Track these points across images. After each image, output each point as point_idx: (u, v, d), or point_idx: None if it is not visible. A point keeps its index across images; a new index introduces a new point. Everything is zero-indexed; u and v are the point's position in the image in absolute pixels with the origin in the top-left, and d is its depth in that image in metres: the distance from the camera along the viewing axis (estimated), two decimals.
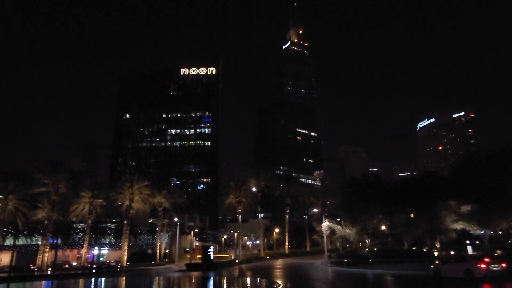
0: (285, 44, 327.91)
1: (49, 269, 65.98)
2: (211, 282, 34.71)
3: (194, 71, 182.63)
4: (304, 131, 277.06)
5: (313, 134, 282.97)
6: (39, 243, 73.43)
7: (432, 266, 33.86)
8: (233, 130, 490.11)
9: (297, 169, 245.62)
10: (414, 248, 60.72)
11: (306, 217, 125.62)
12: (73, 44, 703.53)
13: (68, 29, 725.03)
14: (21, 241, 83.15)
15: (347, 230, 72.45)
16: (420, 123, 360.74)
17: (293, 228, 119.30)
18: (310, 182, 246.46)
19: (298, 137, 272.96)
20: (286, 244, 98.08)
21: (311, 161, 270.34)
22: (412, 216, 63.29)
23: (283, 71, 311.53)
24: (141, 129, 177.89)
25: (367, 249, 71.06)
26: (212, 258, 61.50)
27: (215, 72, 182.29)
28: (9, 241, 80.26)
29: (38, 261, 65.76)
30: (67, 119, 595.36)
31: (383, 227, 78.39)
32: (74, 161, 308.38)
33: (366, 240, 76.58)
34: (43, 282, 45.75)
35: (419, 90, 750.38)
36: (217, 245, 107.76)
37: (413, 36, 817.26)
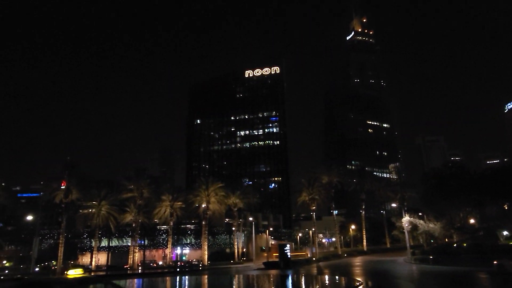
0: (348, 35, 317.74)
1: (140, 268, 71.46)
2: (290, 280, 34.73)
3: (258, 72, 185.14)
4: (375, 123, 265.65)
5: (385, 125, 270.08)
6: (129, 244, 79.95)
7: (495, 262, 31.67)
8: (301, 127, 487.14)
9: (370, 163, 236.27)
10: None
11: (384, 212, 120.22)
12: (143, 53, 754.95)
13: (141, 38, 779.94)
14: (114, 243, 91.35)
15: (431, 225, 67.85)
16: (509, 104, 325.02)
17: (370, 224, 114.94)
18: (385, 175, 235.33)
19: (369, 130, 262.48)
20: (364, 241, 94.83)
21: (385, 153, 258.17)
22: (506, 208, 57.20)
23: (348, 62, 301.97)
24: (212, 133, 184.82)
25: (455, 245, 65.81)
26: (289, 256, 61.57)
27: (278, 71, 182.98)
28: (104, 243, 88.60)
29: (130, 261, 71.51)
30: (144, 126, 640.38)
31: (472, 221, 71.99)
32: (153, 167, 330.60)
33: (453, 235, 70.97)
34: (136, 280, 49.57)
35: (503, 68, 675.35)
36: (293, 243, 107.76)
37: (483, 11, 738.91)
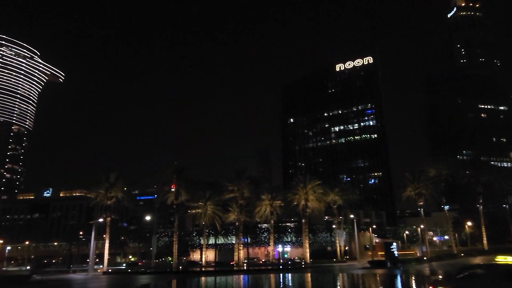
0: (450, 12, 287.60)
1: (245, 264, 74.61)
2: (400, 280, 32.64)
3: (349, 64, 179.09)
4: (489, 106, 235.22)
5: (501, 108, 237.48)
6: (234, 242, 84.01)
7: None
8: (401, 118, 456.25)
9: (485, 151, 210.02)
10: None
11: (507, 206, 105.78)
12: (237, 57, 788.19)
13: (234, 42, 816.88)
14: (220, 240, 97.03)
15: None
16: None
17: (490, 220, 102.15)
18: (505, 165, 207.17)
19: (482, 114, 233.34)
20: (484, 239, 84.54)
21: (504, 140, 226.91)
22: None
23: (452, 42, 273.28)
24: (306, 131, 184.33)
25: None
26: (396, 255, 58.18)
27: (372, 61, 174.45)
28: (211, 241, 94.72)
29: (235, 258, 75.06)
30: (241, 128, 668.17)
31: None
32: (251, 168, 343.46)
33: None
34: (242, 276, 51.78)
35: None
36: (399, 242, 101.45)
37: None
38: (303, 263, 72.29)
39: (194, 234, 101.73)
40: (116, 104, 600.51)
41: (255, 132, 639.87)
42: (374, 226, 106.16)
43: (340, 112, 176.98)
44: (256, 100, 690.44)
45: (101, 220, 70.10)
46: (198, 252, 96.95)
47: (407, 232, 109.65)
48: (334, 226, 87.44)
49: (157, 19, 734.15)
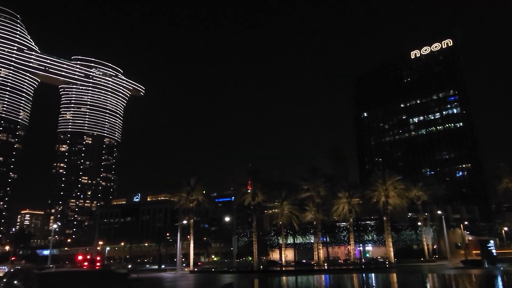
0: None
1: (325, 264, 73.40)
2: (501, 281, 29.43)
3: (426, 50, 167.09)
4: None
5: None
6: (312, 241, 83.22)
7: None
8: (490, 103, 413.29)
9: None
10: None
11: None
12: (305, 54, 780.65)
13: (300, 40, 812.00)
14: (298, 240, 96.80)
15: None
16: None
17: None
18: None
19: None
20: None
21: None
22: None
23: None
24: (381, 124, 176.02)
25: None
26: (494, 253, 52.70)
27: (451, 44, 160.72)
28: (289, 240, 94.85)
29: (315, 257, 74.27)
30: (311, 126, 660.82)
31: None
32: (325, 165, 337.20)
33: None
34: (323, 276, 50.95)
35: None
36: (497, 239, 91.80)
37: None
38: (387, 262, 68.97)
39: (272, 234, 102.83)
40: (190, 110, 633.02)
41: (326, 129, 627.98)
42: (466, 223, 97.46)
43: (418, 101, 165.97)
44: (325, 96, 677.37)
45: (185, 222, 74.22)
46: (277, 251, 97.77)
47: (505, 229, 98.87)
48: (419, 224, 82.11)
49: (225, 20, 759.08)
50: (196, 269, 71.85)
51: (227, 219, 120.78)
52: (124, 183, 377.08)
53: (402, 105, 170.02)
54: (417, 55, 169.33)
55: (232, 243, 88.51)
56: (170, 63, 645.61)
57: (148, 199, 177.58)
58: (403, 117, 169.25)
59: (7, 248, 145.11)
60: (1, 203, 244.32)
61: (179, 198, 71.63)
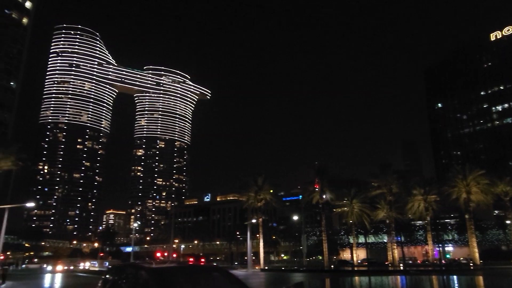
0: None
1: (401, 264, 69.70)
2: None
3: (508, 30, 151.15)
4: None
5: None
6: (385, 240, 79.52)
7: None
8: None
9: None
10: None
11: None
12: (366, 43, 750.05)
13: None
14: (370, 239, 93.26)
15: None
16: None
17: None
18: None
19: None
20: None
21: None
22: None
23: None
24: (458, 115, 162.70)
25: None
26: None
27: None
28: (361, 239, 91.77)
29: (389, 257, 70.82)
30: (380, 121, 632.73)
31: None
32: (396, 161, 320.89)
33: None
34: (400, 277, 48.37)
35: None
36: None
37: None
38: (471, 264, 63.48)
39: (342, 233, 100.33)
40: (255, 109, 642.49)
41: (397, 123, 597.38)
42: None
43: (501, 88, 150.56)
44: (393, 89, 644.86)
45: (254, 221, 75.26)
46: (348, 251, 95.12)
47: None
48: (507, 222, 74.38)
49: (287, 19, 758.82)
50: (266, 267, 72.57)
51: (295, 218, 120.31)
52: (195, 184, 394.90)
53: (482, 93, 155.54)
54: (498, 37, 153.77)
55: (301, 242, 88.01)
56: (234, 65, 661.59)
57: (218, 199, 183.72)
58: (484, 106, 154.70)
59: (96, 245, 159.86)
60: (90, 204, 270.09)
61: (247, 197, 72.80)
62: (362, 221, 72.47)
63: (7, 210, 46.41)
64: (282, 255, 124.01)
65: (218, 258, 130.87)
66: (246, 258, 79.47)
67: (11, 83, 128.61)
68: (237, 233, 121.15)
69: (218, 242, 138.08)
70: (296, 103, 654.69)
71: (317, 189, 71.57)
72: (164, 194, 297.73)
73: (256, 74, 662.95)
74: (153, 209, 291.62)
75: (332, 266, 74.53)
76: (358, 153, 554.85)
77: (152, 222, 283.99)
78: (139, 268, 8.76)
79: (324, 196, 69.69)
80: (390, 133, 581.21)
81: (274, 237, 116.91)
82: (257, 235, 77.51)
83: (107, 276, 9.98)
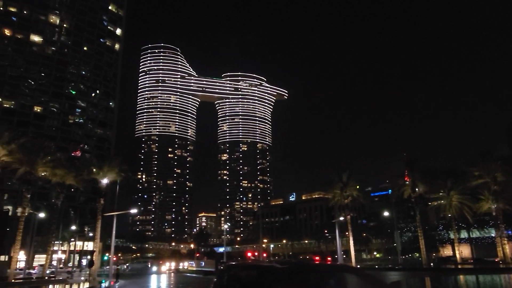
0: None
1: None
2: None
3: None
4: None
5: None
6: (493, 235, 71.48)
7: None
8: None
9: None
10: None
11: None
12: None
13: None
14: (474, 234, 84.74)
15: None
16: None
17: None
18: None
19: None
20: None
21: None
22: None
23: None
24: None
25: None
26: None
27: None
28: (463, 234, 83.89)
29: (499, 253, 63.59)
30: (475, 101, 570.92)
31: None
32: (498, 147, 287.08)
33: None
34: None
35: None
36: None
37: None
38: None
39: (440, 228, 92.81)
40: (334, 103, 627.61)
41: (495, 105, 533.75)
42: None
43: None
44: (494, 64, 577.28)
45: (341, 218, 73.54)
46: (449, 247, 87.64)
47: None
48: None
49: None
50: (358, 266, 70.34)
51: (385, 214, 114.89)
52: (279, 184, 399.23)
53: None
54: None
55: (394, 239, 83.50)
56: (310, 60, 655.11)
57: (303, 198, 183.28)
58: None
59: (192, 246, 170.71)
60: (184, 208, 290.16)
61: (332, 195, 71.43)
62: (463, 215, 66.17)
63: (115, 217, 52.03)
64: (375, 253, 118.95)
65: (307, 257, 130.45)
66: (336, 256, 77.94)
67: (110, 104, 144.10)
68: (325, 231, 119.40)
69: (306, 241, 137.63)
70: (378, 93, 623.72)
71: (407, 182, 67.38)
72: (250, 195, 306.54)
73: (334, 66, 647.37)
74: (241, 211, 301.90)
75: (432, 264, 69.39)
76: (451, 141, 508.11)
77: (241, 223, 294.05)
78: (262, 268, 8.29)
79: (416, 189, 65.24)
80: (489, 116, 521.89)
81: (364, 235, 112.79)
82: (346, 233, 75.58)
83: (222, 275, 9.73)
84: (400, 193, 69.17)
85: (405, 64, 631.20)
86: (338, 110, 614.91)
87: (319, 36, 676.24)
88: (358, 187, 75.05)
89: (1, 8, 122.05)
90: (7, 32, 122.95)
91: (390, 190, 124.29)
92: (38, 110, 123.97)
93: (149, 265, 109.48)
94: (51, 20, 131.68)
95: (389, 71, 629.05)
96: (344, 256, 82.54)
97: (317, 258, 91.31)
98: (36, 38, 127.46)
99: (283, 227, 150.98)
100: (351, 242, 70.58)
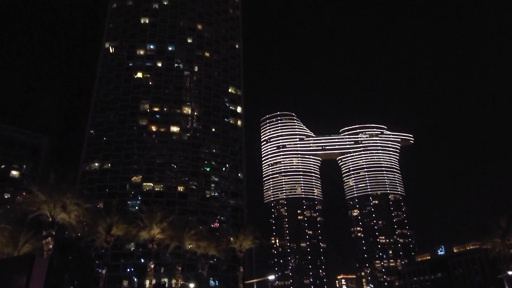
0: None
1: None
2: None
3: None
4: None
5: None
6: None
7: None
8: None
9: None
10: None
11: None
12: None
13: None
14: None
15: None
16: None
17: None
18: None
19: None
20: None
21: None
22: None
23: None
24: None
25: None
26: None
27: None
28: None
29: None
30: None
31: None
32: None
33: None
34: None
35: None
36: None
37: None
38: None
39: None
40: (466, 137, 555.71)
41: None
42: None
43: None
44: None
45: (510, 273, 61.47)
46: None
47: None
48: None
49: None
50: None
51: None
52: (421, 236, 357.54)
53: None
54: None
55: None
56: (433, 101, 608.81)
57: (455, 250, 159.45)
58: None
59: None
60: (320, 271, 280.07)
61: (492, 245, 61.06)
62: None
63: (255, 284, 53.37)
64: None
65: None
66: None
67: (239, 175, 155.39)
68: None
69: None
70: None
71: None
72: (390, 252, 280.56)
73: (456, 101, 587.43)
74: (383, 270, 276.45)
75: None
76: None
77: (385, 284, 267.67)
78: None
79: None
80: None
81: None
82: None
83: None
84: None
85: None
86: (474, 146, 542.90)
87: (435, 74, 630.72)
88: None
89: (148, 110, 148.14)
90: (153, 128, 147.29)
91: None
92: (181, 190, 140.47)
93: None
94: (185, 111, 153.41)
95: None
96: None
97: None
98: (174, 129, 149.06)
99: (436, 286, 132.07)
100: None
